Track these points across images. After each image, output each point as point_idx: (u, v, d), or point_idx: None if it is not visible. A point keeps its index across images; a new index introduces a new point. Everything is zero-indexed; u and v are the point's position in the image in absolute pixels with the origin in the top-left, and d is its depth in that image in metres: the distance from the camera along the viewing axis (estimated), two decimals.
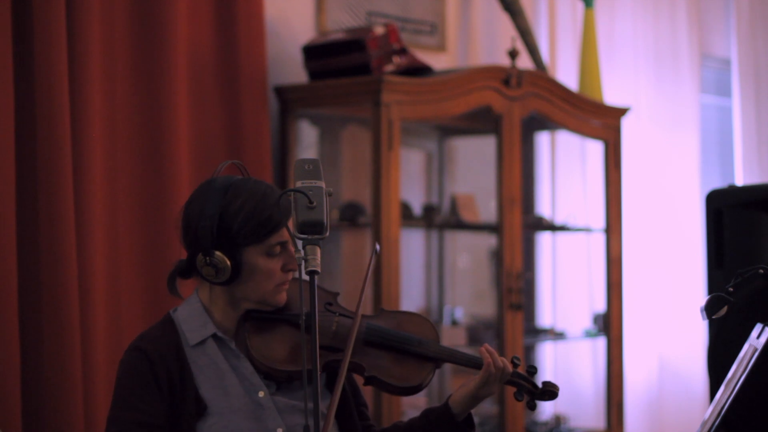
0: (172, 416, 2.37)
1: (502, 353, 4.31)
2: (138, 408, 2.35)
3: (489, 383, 2.44)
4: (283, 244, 2.39)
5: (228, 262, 2.34)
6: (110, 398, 3.45)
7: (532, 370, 2.51)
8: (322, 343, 2.42)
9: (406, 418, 3.87)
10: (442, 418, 2.47)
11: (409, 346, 2.47)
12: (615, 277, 4.85)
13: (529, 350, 5.05)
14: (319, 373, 2.03)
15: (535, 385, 2.50)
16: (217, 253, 2.34)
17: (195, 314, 2.43)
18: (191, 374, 2.38)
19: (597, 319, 4.99)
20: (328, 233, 2.06)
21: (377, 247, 2.41)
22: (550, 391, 2.49)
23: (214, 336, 2.42)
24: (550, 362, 5.21)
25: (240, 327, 2.43)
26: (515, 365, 2.50)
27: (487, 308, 4.92)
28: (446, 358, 2.48)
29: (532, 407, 2.51)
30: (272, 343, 2.41)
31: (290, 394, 2.42)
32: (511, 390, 2.53)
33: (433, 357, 2.47)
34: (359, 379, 2.52)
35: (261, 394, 2.39)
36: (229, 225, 2.35)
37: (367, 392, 2.79)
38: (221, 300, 2.43)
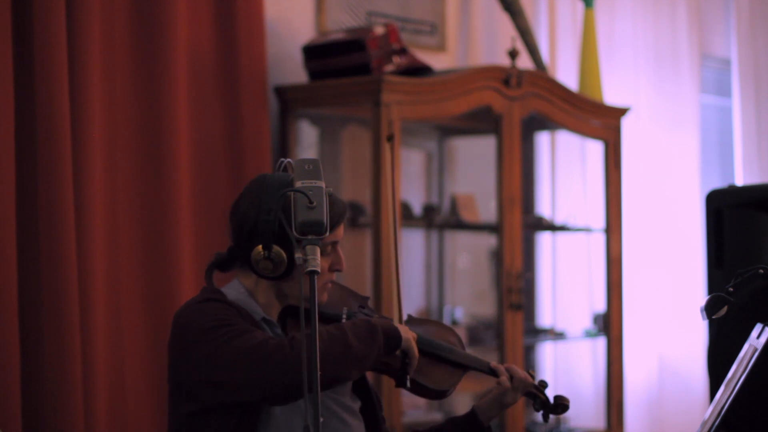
0: None
1: (502, 353, 4.32)
2: (248, 326, 2.34)
3: (509, 392, 2.57)
4: (334, 244, 2.45)
5: (285, 257, 2.36)
6: (110, 398, 3.49)
7: (544, 385, 2.64)
8: None
9: (406, 420, 3.89)
10: (470, 425, 2.60)
11: (442, 353, 2.57)
12: (615, 277, 4.85)
13: (529, 350, 5.05)
14: (318, 371, 2.04)
15: (548, 399, 2.63)
16: (276, 247, 2.36)
17: (242, 298, 2.45)
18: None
19: (597, 319, 4.99)
20: (328, 233, 2.07)
21: (392, 135, 2.46)
22: (562, 405, 2.62)
23: (263, 320, 2.45)
24: (550, 362, 5.21)
25: (282, 322, 2.49)
26: (532, 378, 2.62)
27: (487, 308, 4.91)
28: (474, 366, 2.60)
29: (546, 419, 2.63)
30: None
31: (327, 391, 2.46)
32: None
33: (463, 364, 2.58)
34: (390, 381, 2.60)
35: None
36: (289, 222, 2.37)
37: None
38: (267, 292, 2.46)
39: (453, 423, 2.63)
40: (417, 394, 2.56)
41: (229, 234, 2.46)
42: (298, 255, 2.01)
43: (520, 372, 2.59)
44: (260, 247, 2.35)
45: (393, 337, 2.40)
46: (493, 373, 2.59)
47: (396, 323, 2.46)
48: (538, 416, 2.71)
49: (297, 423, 2.37)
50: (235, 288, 2.47)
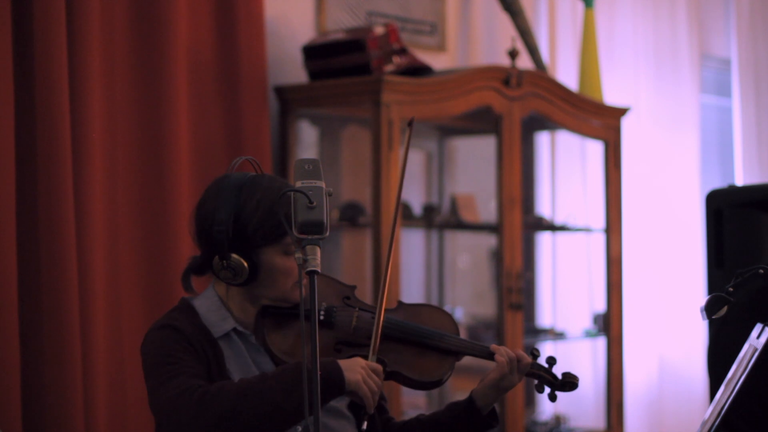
0: None
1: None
2: (186, 365, 2.30)
3: (506, 375, 2.45)
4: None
5: (245, 264, 2.34)
6: (110, 398, 3.49)
7: (552, 362, 2.52)
8: (344, 338, 2.43)
9: (405, 419, 3.87)
10: (467, 411, 2.48)
11: (430, 341, 2.47)
12: (615, 277, 4.85)
13: (529, 350, 5.05)
14: (318, 369, 2.02)
15: (555, 377, 2.51)
16: (234, 255, 2.33)
17: (213, 308, 2.42)
18: (224, 359, 2.37)
19: (597, 319, 4.99)
20: (328, 233, 2.06)
21: (413, 119, 2.41)
22: (570, 383, 2.50)
23: (235, 330, 2.41)
24: None
25: (257, 322, 2.43)
26: (535, 357, 2.51)
27: (487, 308, 4.92)
28: (466, 351, 2.49)
29: (553, 399, 2.51)
30: (291, 338, 2.41)
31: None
32: (519, 386, 2.54)
33: (454, 350, 2.48)
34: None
35: None
36: (245, 226, 2.34)
37: None
38: (239, 297, 2.42)
39: (452, 409, 2.52)
40: (406, 386, 2.47)
41: (193, 240, 2.43)
42: (298, 255, 2.00)
43: (518, 352, 2.47)
44: (217, 257, 2.33)
45: (331, 384, 2.24)
46: (491, 356, 2.48)
47: (343, 360, 2.28)
48: (544, 398, 2.57)
49: None
50: (209, 297, 2.44)
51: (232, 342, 2.40)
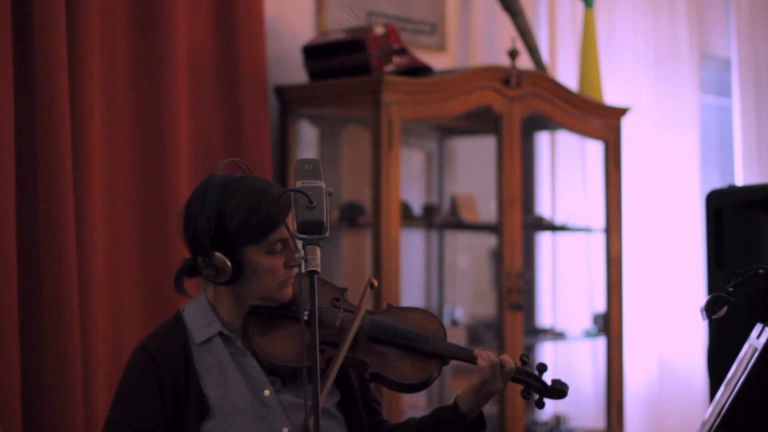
0: (176, 418, 2.36)
1: (502, 353, 4.32)
2: (135, 411, 2.35)
3: (488, 380, 2.41)
4: (284, 241, 2.39)
5: (228, 263, 2.34)
6: (110, 398, 3.48)
7: (542, 368, 2.47)
8: (327, 339, 2.41)
9: (398, 422, 3.87)
10: (452, 416, 2.45)
11: (414, 343, 2.44)
12: (615, 277, 4.85)
13: (529, 350, 5.05)
14: (318, 370, 2.02)
15: (543, 383, 2.46)
16: (217, 254, 2.34)
17: (201, 312, 2.43)
18: (196, 374, 2.38)
19: (597, 319, 4.99)
20: (328, 233, 2.06)
21: (374, 282, 2.39)
22: (558, 390, 2.46)
23: (221, 334, 2.42)
24: (550, 362, 5.21)
25: (245, 323, 2.43)
26: (524, 363, 2.47)
27: (487, 308, 4.92)
28: (450, 355, 2.45)
29: (541, 406, 2.47)
30: (276, 339, 2.40)
31: (295, 392, 2.41)
32: (516, 388, 2.51)
33: (439, 354, 2.44)
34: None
35: (266, 393, 2.39)
36: (227, 225, 2.34)
37: None
38: (226, 298, 2.43)
39: (438, 414, 2.48)
40: (388, 388, 2.45)
41: (182, 240, 2.44)
42: (298, 255, 2.01)
43: (502, 357, 2.42)
44: (200, 255, 2.35)
45: None
46: (474, 361, 2.42)
47: None
48: (535, 407, 2.52)
49: None
50: (199, 301, 2.46)
51: (214, 348, 2.41)
